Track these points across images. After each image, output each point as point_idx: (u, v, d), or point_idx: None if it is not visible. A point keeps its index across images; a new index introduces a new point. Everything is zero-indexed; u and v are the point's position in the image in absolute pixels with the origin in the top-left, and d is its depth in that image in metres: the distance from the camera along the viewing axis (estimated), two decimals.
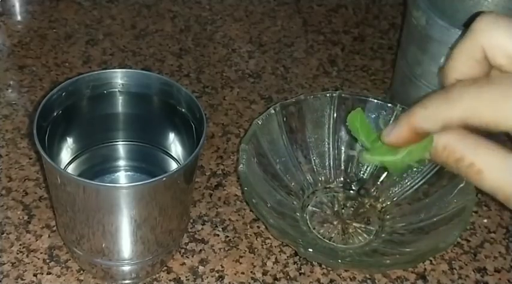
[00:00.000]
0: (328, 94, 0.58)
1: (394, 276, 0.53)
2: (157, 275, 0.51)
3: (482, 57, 0.34)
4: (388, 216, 0.56)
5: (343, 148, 0.59)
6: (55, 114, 0.48)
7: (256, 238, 0.55)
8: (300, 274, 0.52)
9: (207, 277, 0.51)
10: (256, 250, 0.54)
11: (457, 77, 0.35)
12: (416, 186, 0.56)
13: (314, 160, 0.59)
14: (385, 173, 0.58)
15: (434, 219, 0.53)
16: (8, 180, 0.57)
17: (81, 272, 0.51)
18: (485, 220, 0.58)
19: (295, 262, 0.53)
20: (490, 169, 0.34)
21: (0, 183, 0.56)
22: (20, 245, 0.52)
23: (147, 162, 0.54)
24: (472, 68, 0.35)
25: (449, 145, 0.35)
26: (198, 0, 0.79)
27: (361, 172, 0.59)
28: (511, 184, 0.33)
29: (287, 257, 0.53)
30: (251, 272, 0.52)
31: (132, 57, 0.70)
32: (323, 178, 0.59)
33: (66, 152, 0.51)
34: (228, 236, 0.54)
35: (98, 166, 0.54)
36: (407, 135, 0.36)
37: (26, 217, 0.54)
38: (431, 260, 0.54)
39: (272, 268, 0.53)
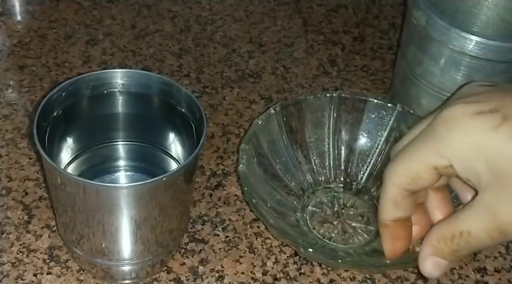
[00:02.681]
0: (328, 94, 0.58)
1: (394, 276, 0.53)
2: (157, 275, 0.51)
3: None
4: None
5: (343, 148, 0.59)
6: (55, 114, 0.48)
7: (256, 238, 0.55)
8: (300, 274, 0.52)
9: (207, 277, 0.51)
10: (256, 250, 0.54)
11: None
12: None
13: (314, 160, 0.59)
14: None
15: None
16: (8, 180, 0.57)
17: (81, 272, 0.51)
18: None
19: (295, 262, 0.53)
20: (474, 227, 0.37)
21: (0, 183, 0.56)
22: (20, 245, 0.52)
23: (147, 162, 0.54)
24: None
25: (441, 234, 0.38)
26: (198, 0, 0.79)
27: (361, 172, 0.59)
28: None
29: (287, 257, 0.53)
30: (251, 272, 0.52)
31: (132, 57, 0.70)
32: (323, 178, 0.59)
33: (66, 152, 0.51)
34: (228, 236, 0.54)
35: (98, 166, 0.54)
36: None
37: (26, 217, 0.54)
38: None
39: (272, 268, 0.53)
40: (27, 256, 0.51)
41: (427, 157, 0.38)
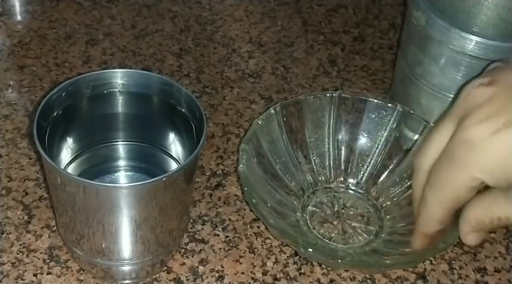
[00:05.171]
0: (328, 94, 0.58)
1: (394, 276, 0.53)
2: (157, 275, 0.51)
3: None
4: (388, 216, 0.56)
5: (343, 148, 0.59)
6: (55, 114, 0.48)
7: (256, 238, 0.55)
8: (300, 274, 0.52)
9: (207, 277, 0.51)
10: (256, 250, 0.54)
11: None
12: None
13: (314, 160, 0.59)
14: (385, 173, 0.58)
15: None
16: (8, 180, 0.57)
17: (81, 272, 0.51)
18: None
19: (295, 262, 0.53)
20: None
21: (0, 183, 0.56)
22: (20, 245, 0.52)
23: (147, 162, 0.54)
24: None
25: (478, 219, 0.43)
26: (198, 0, 0.79)
27: (361, 172, 0.59)
28: None
29: (287, 257, 0.53)
30: (251, 272, 0.52)
31: (132, 57, 0.70)
32: (323, 178, 0.59)
33: (66, 152, 0.51)
34: (228, 236, 0.54)
35: (98, 166, 0.54)
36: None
37: (26, 217, 0.54)
38: (431, 260, 0.54)
39: (272, 268, 0.53)
40: (27, 256, 0.51)
41: (463, 182, 0.42)
